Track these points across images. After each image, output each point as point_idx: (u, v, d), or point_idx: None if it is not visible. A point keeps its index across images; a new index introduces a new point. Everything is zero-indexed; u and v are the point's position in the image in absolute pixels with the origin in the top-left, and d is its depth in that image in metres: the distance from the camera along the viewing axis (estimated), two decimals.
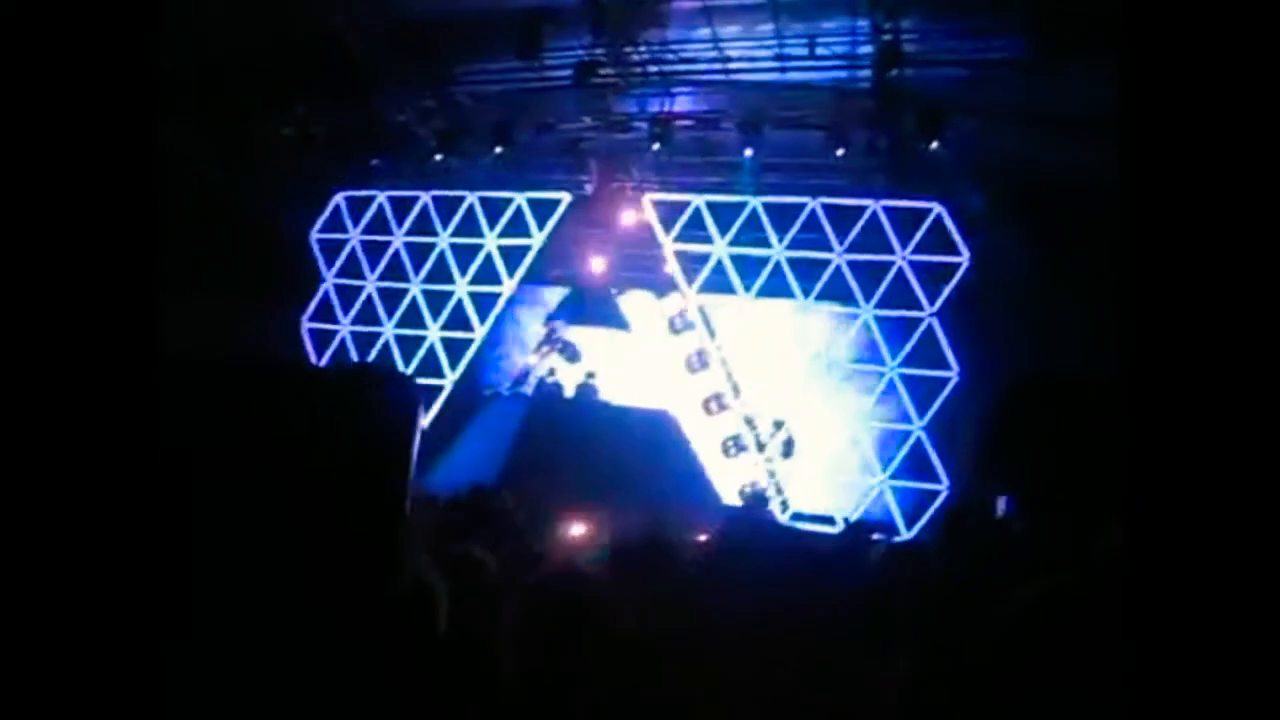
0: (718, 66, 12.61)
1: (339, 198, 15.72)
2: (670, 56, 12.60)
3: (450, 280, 15.10)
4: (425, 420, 14.60)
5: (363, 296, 15.53)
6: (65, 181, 1.22)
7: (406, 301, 15.27)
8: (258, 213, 14.20)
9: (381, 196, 15.50)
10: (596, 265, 14.61)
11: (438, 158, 13.92)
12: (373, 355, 15.18)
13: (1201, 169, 1.33)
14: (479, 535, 5.17)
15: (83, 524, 1.14)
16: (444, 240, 15.18)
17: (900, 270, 13.27)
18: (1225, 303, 1.30)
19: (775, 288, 13.92)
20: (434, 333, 15.03)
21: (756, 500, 13.11)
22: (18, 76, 1.19)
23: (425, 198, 15.28)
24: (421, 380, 14.83)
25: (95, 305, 1.23)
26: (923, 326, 13.19)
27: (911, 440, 13.13)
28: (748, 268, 14.04)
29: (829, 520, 13.00)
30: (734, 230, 14.01)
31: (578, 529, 7.15)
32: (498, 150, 13.50)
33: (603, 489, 9.96)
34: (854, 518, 12.65)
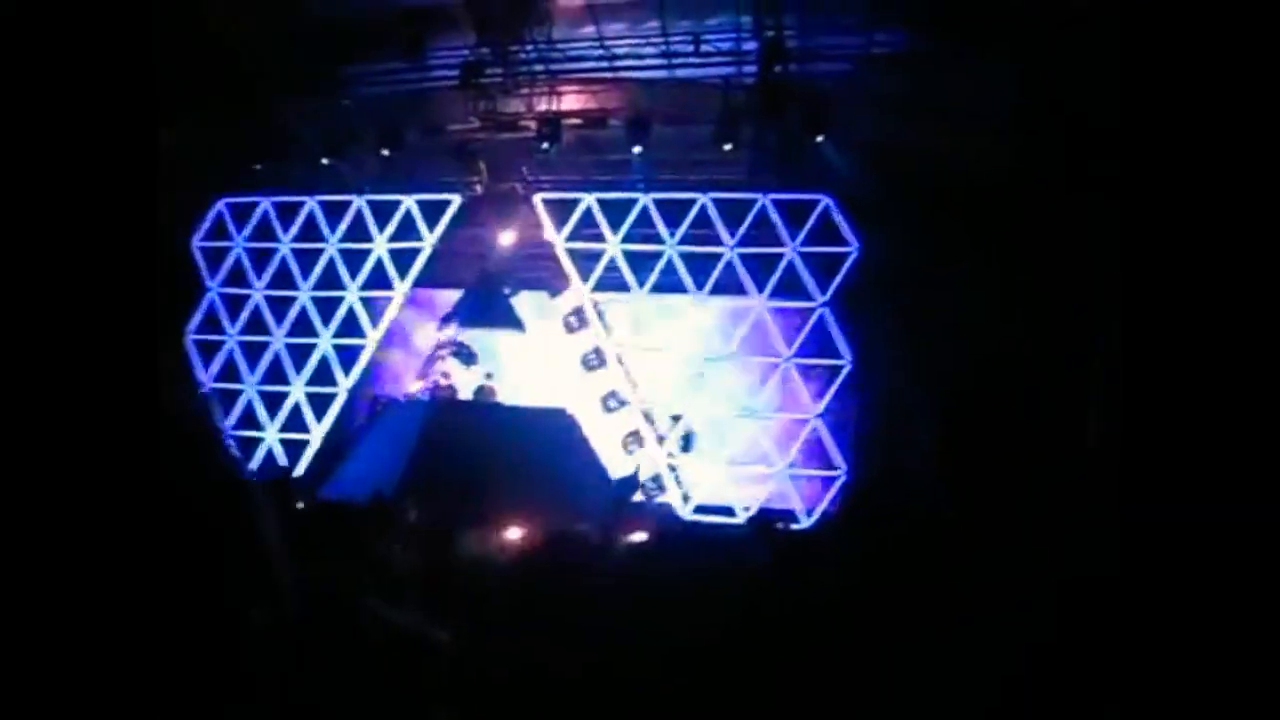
0: (604, 64, 12.65)
1: (221, 204, 15.30)
2: (556, 55, 12.60)
3: (340, 286, 14.83)
4: (320, 430, 14.37)
5: (250, 306, 15.13)
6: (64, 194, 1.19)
7: (296, 309, 14.91)
8: None
9: (266, 202, 15.12)
10: (489, 266, 14.51)
11: (324, 162, 13.67)
12: (262, 365, 14.81)
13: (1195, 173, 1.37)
14: (383, 545, 5.10)
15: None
16: (332, 246, 14.89)
17: (791, 262, 13.45)
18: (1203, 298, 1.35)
19: (669, 283, 13.98)
20: (325, 340, 14.74)
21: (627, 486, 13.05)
22: (19, 78, 1.15)
23: (311, 203, 14.95)
24: (315, 389, 14.58)
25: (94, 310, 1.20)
26: (814, 316, 13.38)
27: (808, 429, 13.33)
28: (641, 264, 14.09)
29: (730, 512, 13.15)
30: (625, 227, 14.03)
31: (482, 535, 7.10)
32: (385, 153, 13.33)
33: (504, 491, 9.92)
34: (755, 508, 12.80)
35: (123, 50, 1.22)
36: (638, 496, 13.13)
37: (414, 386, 14.77)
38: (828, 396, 13.29)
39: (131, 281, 1.26)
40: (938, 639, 1.76)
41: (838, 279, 13.27)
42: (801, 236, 13.40)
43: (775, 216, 13.49)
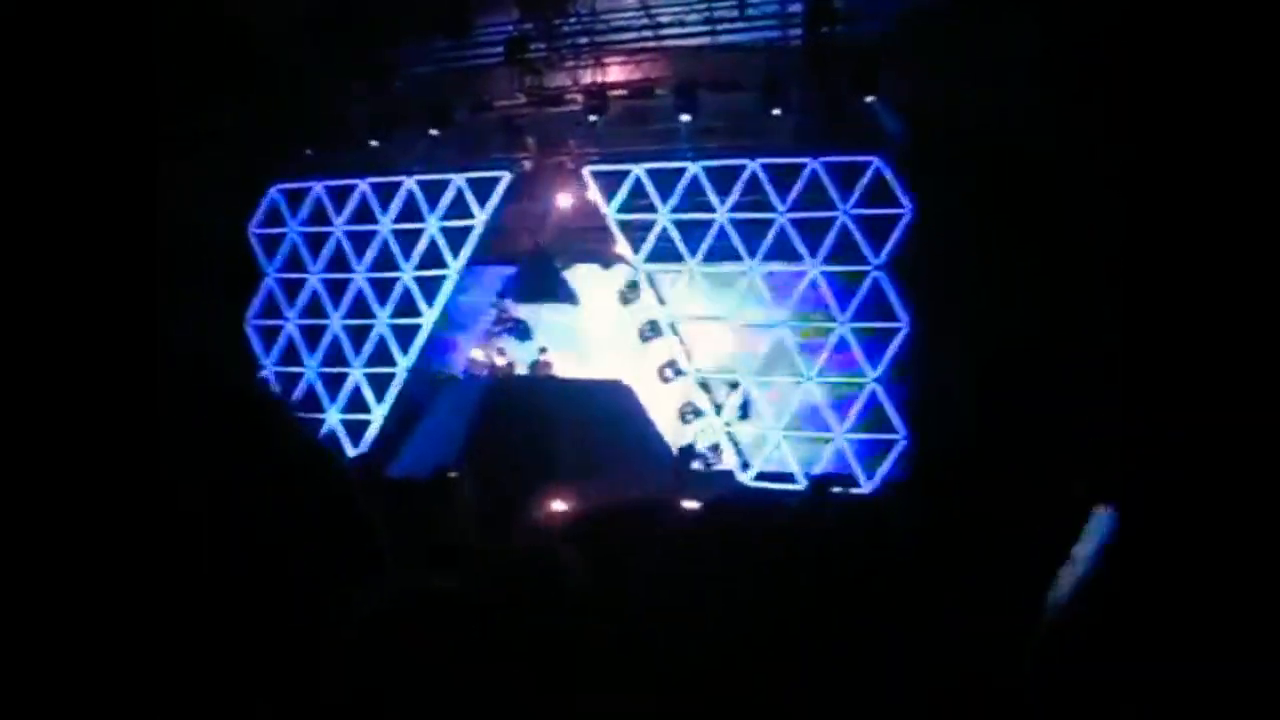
0: (648, 33, 12.59)
1: (274, 191, 15.48)
2: (600, 26, 12.57)
3: (395, 267, 14.96)
4: (381, 409, 14.54)
5: (307, 289, 15.33)
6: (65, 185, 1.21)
7: (352, 291, 15.09)
8: (190, 211, 13.94)
9: (318, 187, 15.27)
10: (541, 241, 14.56)
11: (373, 144, 13.77)
12: (321, 347, 15.00)
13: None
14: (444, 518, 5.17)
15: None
16: (385, 227, 15.01)
17: (844, 225, 13.32)
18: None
19: (721, 251, 13.92)
20: (382, 320, 14.90)
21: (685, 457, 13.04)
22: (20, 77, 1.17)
23: (363, 185, 15.07)
24: (374, 369, 14.75)
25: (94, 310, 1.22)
26: (869, 280, 13.25)
27: (866, 393, 13.23)
28: (692, 233, 14.03)
29: (790, 478, 13.13)
30: (676, 197, 13.97)
31: (545, 506, 7.14)
32: (433, 132, 13.39)
33: (563, 464, 9.99)
34: (815, 473, 12.75)
35: (122, 41, 1.23)
36: (696, 465, 13.15)
37: (471, 363, 14.89)
38: (884, 361, 13.17)
39: (131, 271, 1.27)
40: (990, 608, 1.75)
41: (891, 241, 13.11)
42: (854, 199, 13.25)
43: (826, 180, 13.35)
